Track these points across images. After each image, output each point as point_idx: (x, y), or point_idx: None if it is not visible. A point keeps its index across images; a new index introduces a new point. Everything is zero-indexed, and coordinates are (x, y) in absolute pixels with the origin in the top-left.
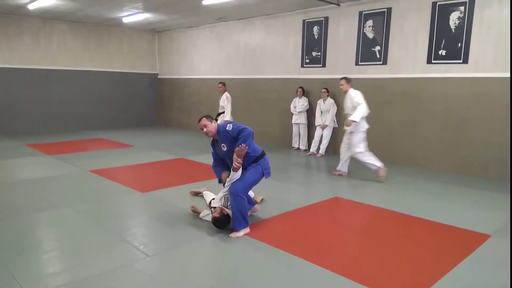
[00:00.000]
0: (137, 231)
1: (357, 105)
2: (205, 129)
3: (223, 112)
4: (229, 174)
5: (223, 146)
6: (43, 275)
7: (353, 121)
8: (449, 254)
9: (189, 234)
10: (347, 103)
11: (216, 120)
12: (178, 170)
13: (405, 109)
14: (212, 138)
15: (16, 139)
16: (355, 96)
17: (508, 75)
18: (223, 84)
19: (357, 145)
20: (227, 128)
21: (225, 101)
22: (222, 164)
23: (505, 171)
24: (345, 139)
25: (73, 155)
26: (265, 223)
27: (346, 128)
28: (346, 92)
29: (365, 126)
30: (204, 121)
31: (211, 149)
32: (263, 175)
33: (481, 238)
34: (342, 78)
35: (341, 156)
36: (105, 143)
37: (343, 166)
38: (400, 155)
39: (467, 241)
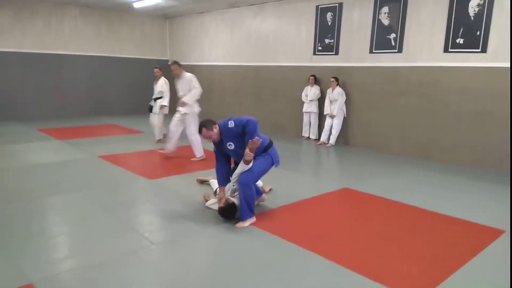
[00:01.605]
0: (143, 219)
1: (194, 89)
2: (210, 139)
3: (161, 97)
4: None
5: (229, 144)
6: (50, 260)
7: (187, 103)
8: (461, 249)
9: (195, 223)
10: (183, 86)
11: (151, 107)
12: (186, 157)
13: (420, 99)
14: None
15: (28, 124)
16: (192, 80)
17: None
18: (160, 69)
19: (191, 128)
20: (229, 126)
21: (164, 86)
22: (226, 161)
23: None
24: (175, 118)
25: (84, 141)
26: (272, 213)
27: (180, 109)
28: (178, 75)
29: (198, 108)
30: (205, 133)
31: (213, 147)
32: (273, 164)
33: (495, 233)
34: (174, 63)
35: (172, 135)
36: (115, 129)
37: (171, 145)
38: (413, 146)
39: (480, 236)
